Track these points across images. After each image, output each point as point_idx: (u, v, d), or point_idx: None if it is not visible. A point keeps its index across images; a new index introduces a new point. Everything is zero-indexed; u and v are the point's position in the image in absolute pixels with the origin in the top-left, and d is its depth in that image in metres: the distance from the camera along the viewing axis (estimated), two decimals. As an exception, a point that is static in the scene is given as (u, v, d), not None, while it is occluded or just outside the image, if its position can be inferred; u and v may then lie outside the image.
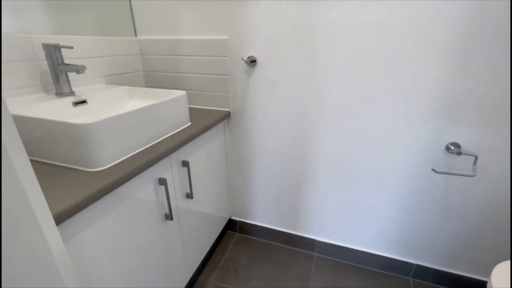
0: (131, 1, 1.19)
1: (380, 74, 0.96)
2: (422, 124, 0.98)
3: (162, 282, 0.92)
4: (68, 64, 0.86)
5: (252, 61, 1.09)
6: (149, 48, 1.25)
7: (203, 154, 1.10)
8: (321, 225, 1.33)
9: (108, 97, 0.99)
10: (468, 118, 0.92)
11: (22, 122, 0.66)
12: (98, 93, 0.97)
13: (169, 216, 0.87)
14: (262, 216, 1.44)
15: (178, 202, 0.95)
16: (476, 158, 0.95)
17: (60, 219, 0.50)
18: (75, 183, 0.60)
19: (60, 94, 0.89)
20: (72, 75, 0.96)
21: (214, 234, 1.33)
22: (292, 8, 0.97)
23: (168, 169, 0.86)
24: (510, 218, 1.01)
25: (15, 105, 0.74)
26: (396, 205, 1.15)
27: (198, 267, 1.26)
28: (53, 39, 0.89)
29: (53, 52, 0.84)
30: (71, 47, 0.84)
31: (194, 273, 1.18)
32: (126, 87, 1.05)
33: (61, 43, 0.85)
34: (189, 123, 1.03)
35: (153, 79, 1.31)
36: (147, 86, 1.33)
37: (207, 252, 1.29)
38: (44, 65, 0.88)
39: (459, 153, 0.95)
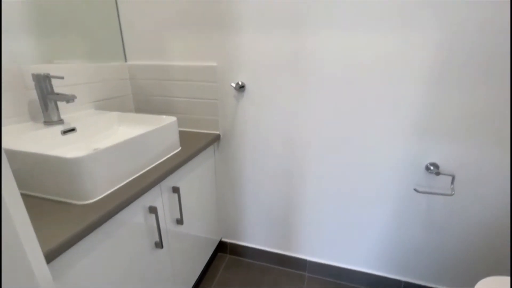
0: (122, 27, 1.22)
1: (363, 101, 1.02)
2: (404, 149, 1.04)
3: (151, 313, 0.89)
4: (58, 94, 0.87)
5: (241, 87, 1.13)
6: (138, 73, 1.27)
7: (194, 178, 1.10)
8: (311, 245, 1.35)
9: (97, 124, 1.00)
10: (444, 141, 0.99)
11: (11, 156, 0.65)
12: (87, 119, 0.97)
13: (159, 244, 0.86)
14: (252, 237, 1.44)
15: (168, 229, 0.94)
16: (453, 177, 1.01)
17: (50, 257, 0.49)
18: (66, 218, 0.59)
19: (48, 122, 0.88)
20: (61, 102, 0.96)
21: (205, 257, 1.31)
22: (278, 37, 1.03)
23: (158, 196, 0.86)
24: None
25: (2, 137, 0.74)
26: (384, 224, 1.18)
27: (188, 293, 1.23)
28: (42, 69, 0.90)
29: (43, 82, 0.85)
30: (62, 77, 0.85)
31: (184, 300, 1.15)
32: (116, 113, 1.06)
33: (51, 73, 0.86)
34: (179, 148, 1.04)
35: (142, 102, 1.32)
36: (136, 109, 1.34)
37: (198, 277, 1.26)
38: (33, 94, 0.88)
39: (437, 173, 1.00)
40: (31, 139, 0.78)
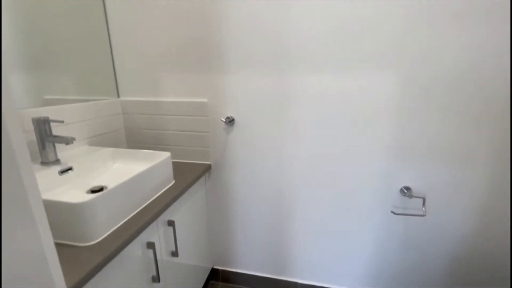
0: (115, 64, 1.29)
1: (342, 134, 1.14)
2: (381, 176, 1.15)
3: None
4: (56, 136, 0.91)
5: (231, 121, 1.22)
6: (131, 108, 1.33)
7: (187, 209, 1.15)
8: (302, 267, 1.40)
9: (93, 162, 1.03)
10: (414, 166, 1.11)
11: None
12: (83, 158, 1.01)
13: (156, 279, 0.89)
14: (243, 263, 1.47)
15: (164, 262, 0.97)
16: (424, 199, 1.12)
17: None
18: (71, 262, 0.62)
19: (45, 163, 0.91)
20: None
21: (198, 286, 1.33)
22: (266, 76, 1.14)
23: (155, 231, 0.90)
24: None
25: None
26: (369, 247, 1.27)
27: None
28: (39, 112, 0.93)
29: (42, 125, 0.88)
30: (62, 121, 0.89)
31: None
32: (110, 149, 1.10)
33: (51, 116, 0.90)
34: (173, 182, 1.09)
35: (134, 136, 1.37)
36: (128, 142, 1.39)
37: (191, 308, 1.27)
38: (31, 136, 0.91)
39: (410, 196, 1.11)
40: (31, 182, 0.80)
